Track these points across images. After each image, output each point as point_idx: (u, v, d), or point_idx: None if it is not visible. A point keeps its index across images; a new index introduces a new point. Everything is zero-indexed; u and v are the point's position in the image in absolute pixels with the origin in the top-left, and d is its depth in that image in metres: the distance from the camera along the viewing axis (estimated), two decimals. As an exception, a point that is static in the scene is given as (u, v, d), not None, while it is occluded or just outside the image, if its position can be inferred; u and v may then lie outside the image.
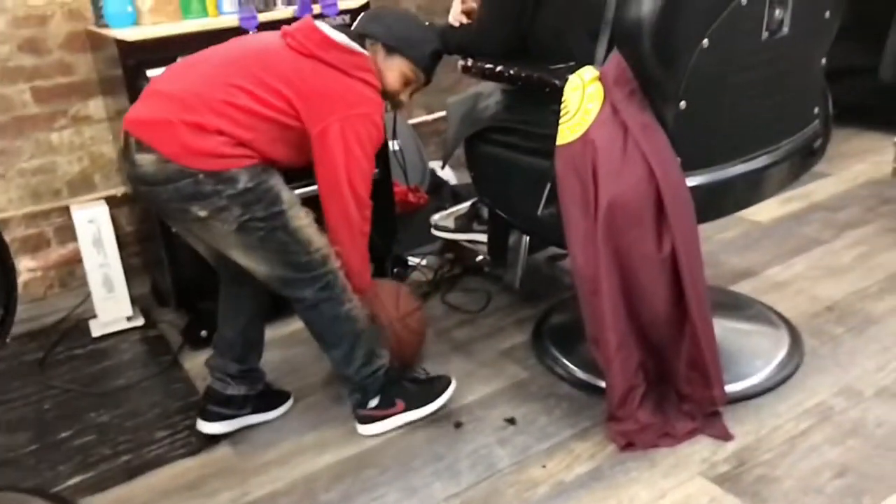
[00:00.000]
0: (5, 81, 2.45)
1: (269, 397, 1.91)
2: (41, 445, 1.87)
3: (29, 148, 2.55)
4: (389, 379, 1.80)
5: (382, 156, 2.47)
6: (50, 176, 2.60)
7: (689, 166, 1.63)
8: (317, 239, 1.67)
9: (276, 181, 1.64)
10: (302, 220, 1.65)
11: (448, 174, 3.21)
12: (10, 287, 1.23)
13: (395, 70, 1.75)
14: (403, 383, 1.84)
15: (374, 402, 1.79)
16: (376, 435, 1.79)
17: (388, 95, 1.77)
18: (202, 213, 1.58)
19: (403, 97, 1.81)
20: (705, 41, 1.54)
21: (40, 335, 2.39)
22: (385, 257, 2.51)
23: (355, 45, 1.68)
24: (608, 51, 1.76)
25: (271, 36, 1.72)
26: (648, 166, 1.56)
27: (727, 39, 1.56)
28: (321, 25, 1.68)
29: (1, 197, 2.54)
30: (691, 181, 1.63)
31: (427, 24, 1.85)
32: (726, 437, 1.68)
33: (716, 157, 1.69)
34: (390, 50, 1.73)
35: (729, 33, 1.56)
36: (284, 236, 1.63)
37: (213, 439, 1.83)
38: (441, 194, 3.07)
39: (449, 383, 1.85)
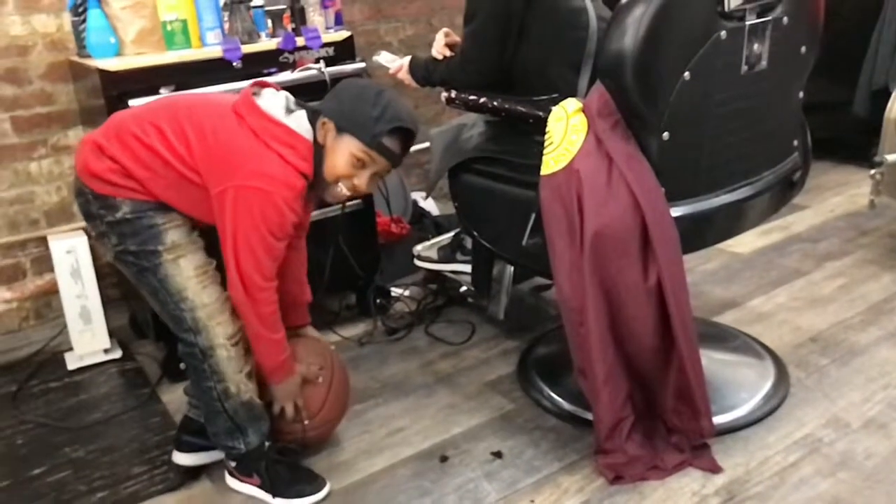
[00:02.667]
0: (-16, 111, 2.43)
1: None
2: (13, 482, 1.81)
3: (7, 177, 2.51)
4: (255, 455, 1.69)
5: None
6: (28, 206, 2.56)
7: (673, 197, 1.64)
8: (196, 299, 1.56)
9: (168, 223, 1.56)
10: (182, 271, 1.56)
11: (430, 205, 3.21)
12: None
13: (343, 151, 1.55)
14: (274, 465, 1.70)
15: (232, 464, 1.73)
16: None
17: (322, 182, 1.59)
18: (93, 234, 1.63)
19: (359, 182, 1.58)
20: (686, 74, 1.56)
21: (14, 368, 2.34)
22: (367, 288, 2.50)
23: (282, 118, 1.55)
24: (591, 82, 1.79)
25: (235, 95, 1.62)
26: (633, 196, 1.57)
27: (708, 72, 1.58)
28: (267, 96, 1.58)
29: (-24, 227, 2.50)
30: (675, 211, 1.64)
31: (393, 101, 1.58)
32: (715, 469, 1.66)
33: (699, 187, 1.70)
34: (339, 129, 1.55)
35: (709, 66, 1.58)
36: (154, 280, 1.57)
37: (193, 474, 1.79)
38: (423, 225, 3.07)
39: (320, 489, 1.69)
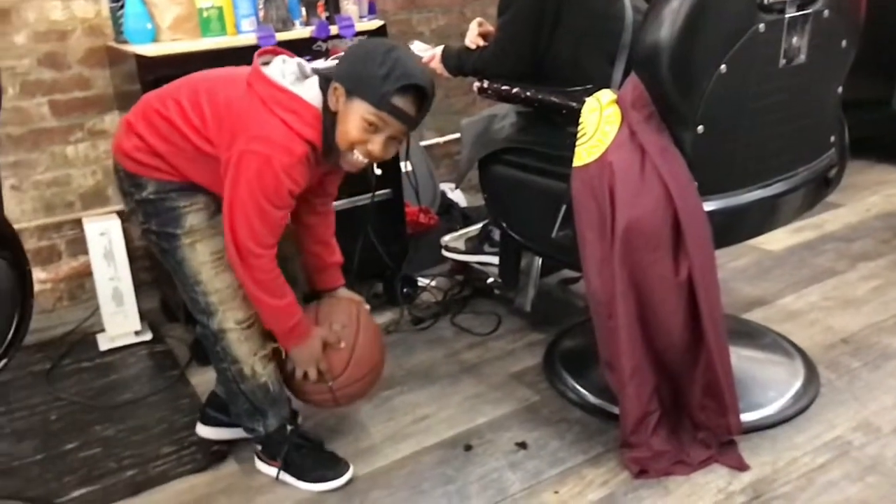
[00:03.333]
0: (24, 95, 2.47)
1: None
2: (47, 456, 1.85)
3: (44, 160, 2.56)
4: (277, 438, 1.71)
5: (394, 176, 2.48)
6: (64, 188, 2.61)
7: (706, 191, 1.62)
8: (209, 283, 1.57)
9: (189, 206, 1.57)
10: (198, 256, 1.57)
11: (459, 196, 3.21)
12: (25, 293, 1.23)
13: (354, 115, 1.47)
14: (298, 449, 1.71)
15: (259, 447, 1.76)
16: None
17: (335, 149, 1.54)
18: (126, 209, 1.67)
19: (373, 147, 1.50)
20: (723, 67, 1.54)
21: (48, 347, 2.39)
22: (394, 277, 2.50)
23: (288, 84, 1.50)
24: (625, 74, 1.77)
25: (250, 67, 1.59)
26: (666, 189, 1.55)
27: (745, 65, 1.56)
28: (276, 64, 1.54)
29: (15, 208, 2.55)
30: (708, 206, 1.62)
31: (403, 57, 1.48)
32: (742, 467, 1.65)
33: (732, 182, 1.68)
34: (349, 93, 1.47)
35: (747, 59, 1.56)
36: (172, 261, 1.60)
37: (220, 456, 1.81)
38: (451, 216, 3.07)
39: (342, 474, 1.70)
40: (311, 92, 1.52)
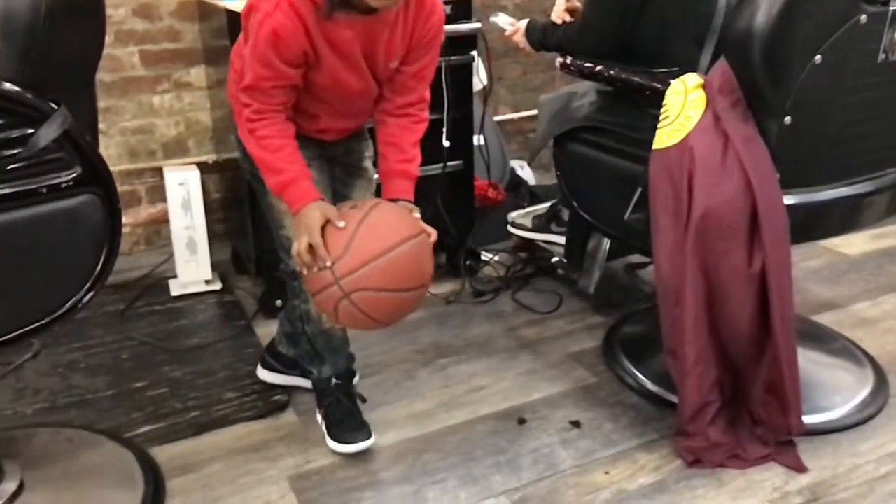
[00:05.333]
0: (117, 43, 2.56)
1: None
2: (117, 392, 1.94)
3: (131, 108, 2.65)
4: (323, 386, 1.76)
5: (466, 149, 2.48)
6: (147, 136, 2.70)
7: (788, 184, 1.58)
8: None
9: None
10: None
11: (528, 174, 3.20)
12: (114, 230, 1.29)
13: None
14: (336, 404, 1.74)
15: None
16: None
17: None
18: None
19: None
20: (818, 57, 1.49)
21: (123, 288, 2.48)
22: (458, 249, 2.52)
23: None
24: (714, 58, 1.73)
25: None
26: (747, 179, 1.52)
27: (841, 57, 1.51)
28: None
29: (101, 153, 2.61)
30: (788, 199, 1.58)
31: None
32: (800, 468, 1.62)
33: (816, 177, 1.64)
34: None
35: (844, 51, 1.51)
36: (264, 203, 1.67)
37: (280, 406, 1.87)
38: (519, 193, 3.06)
39: (354, 441, 1.69)
40: None
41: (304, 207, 1.47)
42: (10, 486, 1.49)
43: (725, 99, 1.56)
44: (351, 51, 1.45)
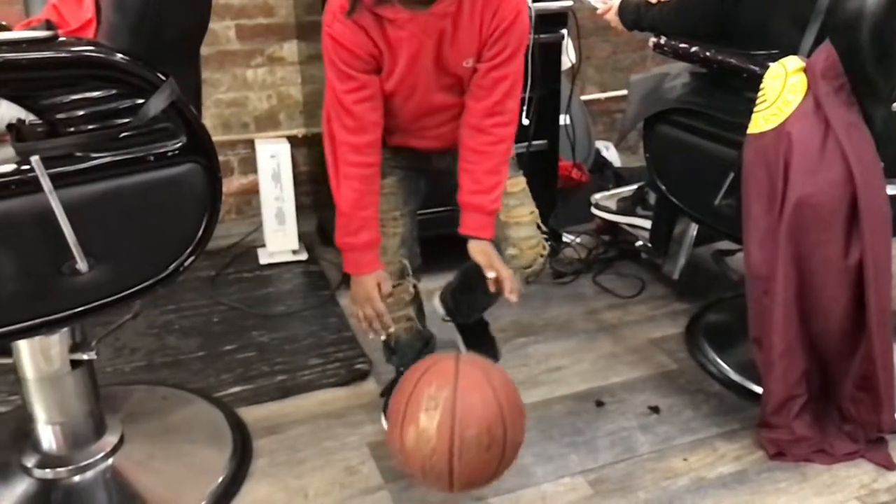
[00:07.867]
0: (214, 17, 2.62)
1: None
2: (208, 353, 2.03)
3: (226, 81, 2.74)
4: (393, 376, 1.77)
5: (551, 128, 2.46)
6: (241, 109, 2.78)
7: (892, 173, 1.52)
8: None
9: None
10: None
11: (613, 156, 3.15)
12: (215, 197, 1.34)
13: None
14: (390, 388, 1.73)
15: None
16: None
17: None
18: None
19: None
20: (932, 41, 1.42)
21: (214, 255, 2.58)
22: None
23: None
24: (816, 42, 1.67)
25: None
26: (847, 168, 1.47)
27: (959, 42, 1.43)
28: None
29: (198, 124, 2.74)
30: (892, 189, 1.52)
31: None
32: (890, 466, 1.57)
33: (923, 167, 1.57)
34: None
35: (962, 35, 1.43)
36: None
37: (361, 375, 1.92)
38: (603, 175, 3.02)
39: None
40: None
41: (360, 276, 1.53)
42: (112, 438, 1.59)
43: (828, 84, 1.50)
44: (413, 51, 1.40)
